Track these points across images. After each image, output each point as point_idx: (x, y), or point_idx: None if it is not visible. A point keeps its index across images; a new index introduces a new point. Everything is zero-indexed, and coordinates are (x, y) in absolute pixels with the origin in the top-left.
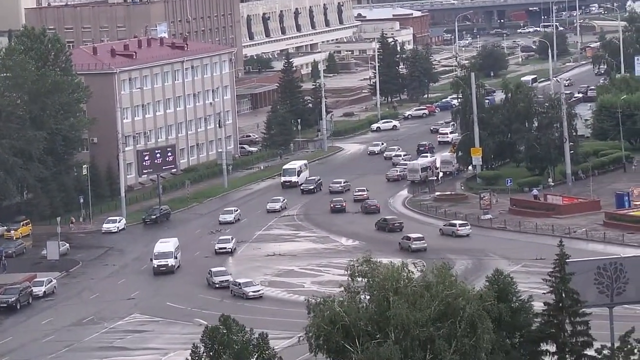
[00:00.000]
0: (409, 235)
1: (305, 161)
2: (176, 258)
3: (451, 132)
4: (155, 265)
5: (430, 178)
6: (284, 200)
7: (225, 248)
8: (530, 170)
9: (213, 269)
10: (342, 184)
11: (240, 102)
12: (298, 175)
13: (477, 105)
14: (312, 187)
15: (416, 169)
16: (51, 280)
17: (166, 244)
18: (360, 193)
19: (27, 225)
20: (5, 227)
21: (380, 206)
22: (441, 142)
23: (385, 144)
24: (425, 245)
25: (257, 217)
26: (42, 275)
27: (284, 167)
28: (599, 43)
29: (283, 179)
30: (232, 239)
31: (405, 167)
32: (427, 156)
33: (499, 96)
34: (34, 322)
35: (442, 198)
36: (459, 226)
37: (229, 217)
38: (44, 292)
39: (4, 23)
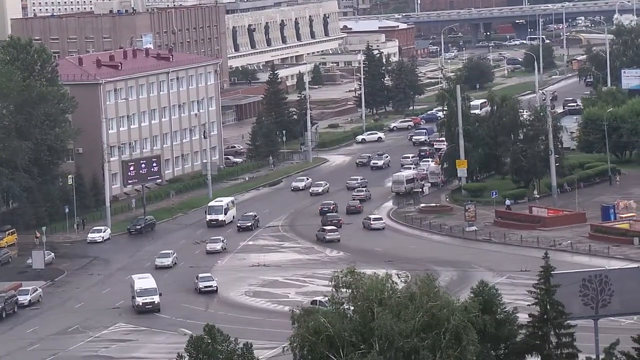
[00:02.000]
0: (324, 227)
1: (233, 198)
2: (161, 295)
3: (384, 163)
4: (141, 303)
5: (415, 190)
6: (224, 240)
7: (211, 286)
8: (515, 182)
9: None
10: (359, 181)
11: (225, 113)
12: (225, 214)
13: (463, 117)
14: (249, 223)
15: (401, 180)
16: (36, 289)
17: (147, 280)
18: (358, 194)
19: (13, 234)
20: None
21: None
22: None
23: (310, 179)
24: (339, 237)
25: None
26: (27, 284)
27: (209, 204)
28: (585, 56)
29: (209, 217)
30: (213, 278)
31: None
32: (428, 161)
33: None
34: (19, 331)
35: (426, 210)
36: (373, 220)
37: (166, 261)
38: (29, 300)
39: None
